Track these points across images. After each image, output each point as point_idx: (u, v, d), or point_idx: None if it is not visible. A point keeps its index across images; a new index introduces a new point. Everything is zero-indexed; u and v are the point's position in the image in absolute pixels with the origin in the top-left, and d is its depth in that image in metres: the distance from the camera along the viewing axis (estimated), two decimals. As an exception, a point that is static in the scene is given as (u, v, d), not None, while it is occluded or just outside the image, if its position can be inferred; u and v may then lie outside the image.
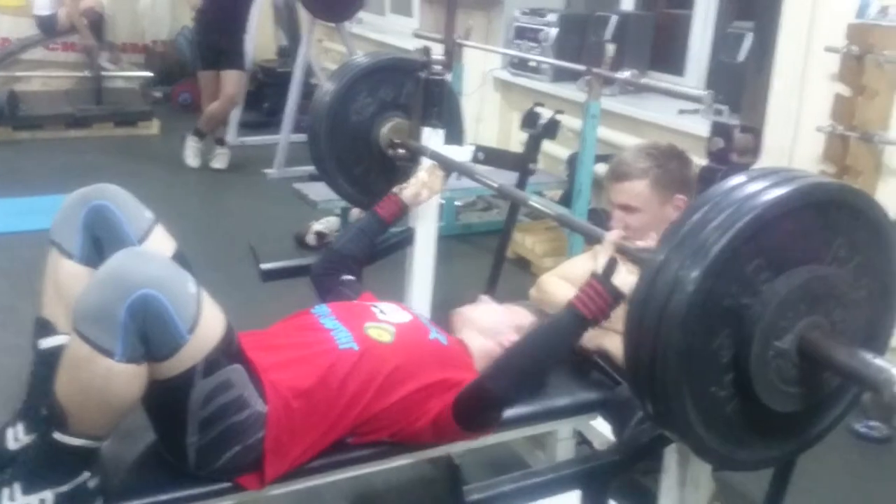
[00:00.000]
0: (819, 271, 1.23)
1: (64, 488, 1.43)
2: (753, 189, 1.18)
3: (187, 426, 1.48)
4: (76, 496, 1.44)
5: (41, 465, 1.44)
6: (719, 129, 1.33)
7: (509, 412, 1.88)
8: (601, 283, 1.56)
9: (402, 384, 1.70)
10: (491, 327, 1.95)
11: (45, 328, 1.64)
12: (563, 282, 2.14)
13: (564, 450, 2.21)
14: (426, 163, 2.38)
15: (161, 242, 1.74)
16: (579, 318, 1.58)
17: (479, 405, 1.71)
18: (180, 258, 1.72)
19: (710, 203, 1.19)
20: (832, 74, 3.12)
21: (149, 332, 1.38)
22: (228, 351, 1.50)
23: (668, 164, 2.03)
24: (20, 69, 6.88)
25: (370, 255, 2.24)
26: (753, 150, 1.32)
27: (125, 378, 1.39)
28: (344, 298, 2.04)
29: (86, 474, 1.45)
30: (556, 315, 1.67)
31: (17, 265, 3.81)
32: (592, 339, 1.98)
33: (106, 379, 1.37)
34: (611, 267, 1.56)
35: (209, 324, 1.46)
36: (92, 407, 1.41)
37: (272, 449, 1.57)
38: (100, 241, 1.67)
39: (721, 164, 1.33)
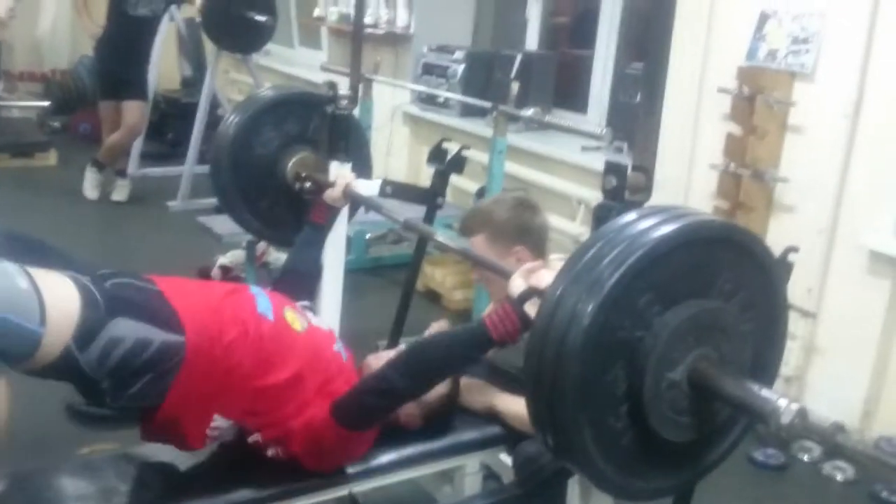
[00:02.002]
0: (706, 305, 1.27)
1: None
2: (644, 226, 1.23)
3: (96, 381, 1.49)
4: None
5: None
6: (612, 168, 1.38)
7: (417, 448, 1.88)
8: (513, 307, 1.56)
9: (293, 373, 1.72)
10: None
11: None
12: None
13: (472, 484, 2.21)
14: (333, 167, 2.43)
15: None
16: (486, 336, 1.58)
17: (367, 392, 1.72)
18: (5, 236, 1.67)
19: (603, 239, 1.23)
20: (724, 114, 3.27)
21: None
22: (97, 314, 1.47)
23: (502, 216, 2.08)
24: None
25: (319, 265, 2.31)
26: (645, 188, 1.37)
27: None
28: None
29: None
30: (466, 327, 1.69)
31: None
32: (482, 399, 2.01)
33: None
34: (526, 294, 1.55)
35: (60, 305, 1.42)
36: None
37: (185, 377, 1.58)
38: None
39: (615, 201, 1.38)
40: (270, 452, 1.75)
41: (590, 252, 1.24)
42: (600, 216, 1.40)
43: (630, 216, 1.26)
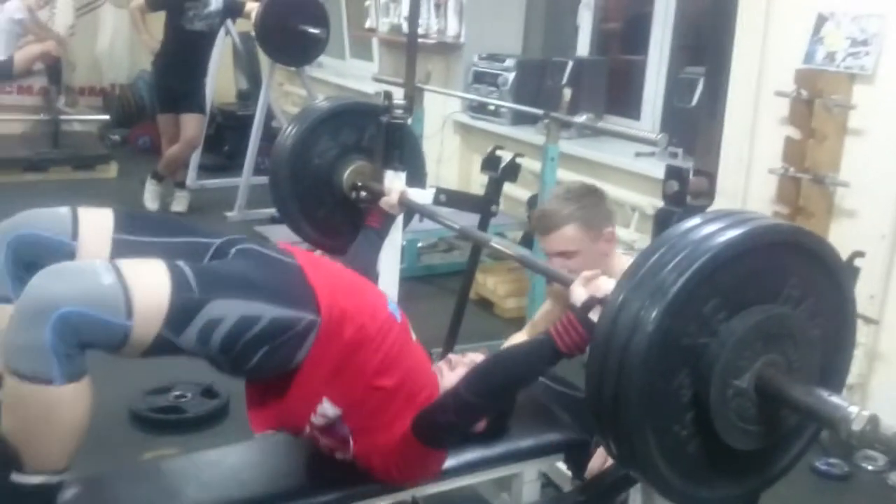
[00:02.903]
0: (773, 311, 1.26)
1: None
2: (708, 231, 1.22)
3: (207, 356, 1.53)
4: None
5: None
6: (673, 173, 1.37)
7: (474, 454, 1.89)
8: (578, 317, 1.55)
9: (400, 380, 1.70)
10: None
11: None
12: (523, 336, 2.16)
13: (530, 492, 2.20)
14: (388, 176, 2.47)
15: (94, 224, 1.76)
16: (553, 348, 1.57)
17: (446, 411, 1.71)
18: (122, 220, 1.76)
19: (666, 245, 1.22)
20: (783, 118, 3.21)
21: (87, 341, 1.39)
22: (190, 298, 1.47)
23: (587, 202, 2.09)
24: (-26, 113, 6.78)
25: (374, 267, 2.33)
26: (708, 193, 1.36)
27: (69, 400, 1.40)
28: None
29: None
30: (532, 340, 1.67)
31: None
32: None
33: (50, 406, 1.39)
34: (590, 302, 1.54)
35: (149, 295, 1.43)
36: (44, 438, 1.42)
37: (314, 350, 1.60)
38: (38, 266, 1.59)
39: (676, 206, 1.36)
40: (338, 456, 1.75)
41: (653, 257, 1.23)
42: (661, 221, 1.39)
43: (693, 221, 1.25)
